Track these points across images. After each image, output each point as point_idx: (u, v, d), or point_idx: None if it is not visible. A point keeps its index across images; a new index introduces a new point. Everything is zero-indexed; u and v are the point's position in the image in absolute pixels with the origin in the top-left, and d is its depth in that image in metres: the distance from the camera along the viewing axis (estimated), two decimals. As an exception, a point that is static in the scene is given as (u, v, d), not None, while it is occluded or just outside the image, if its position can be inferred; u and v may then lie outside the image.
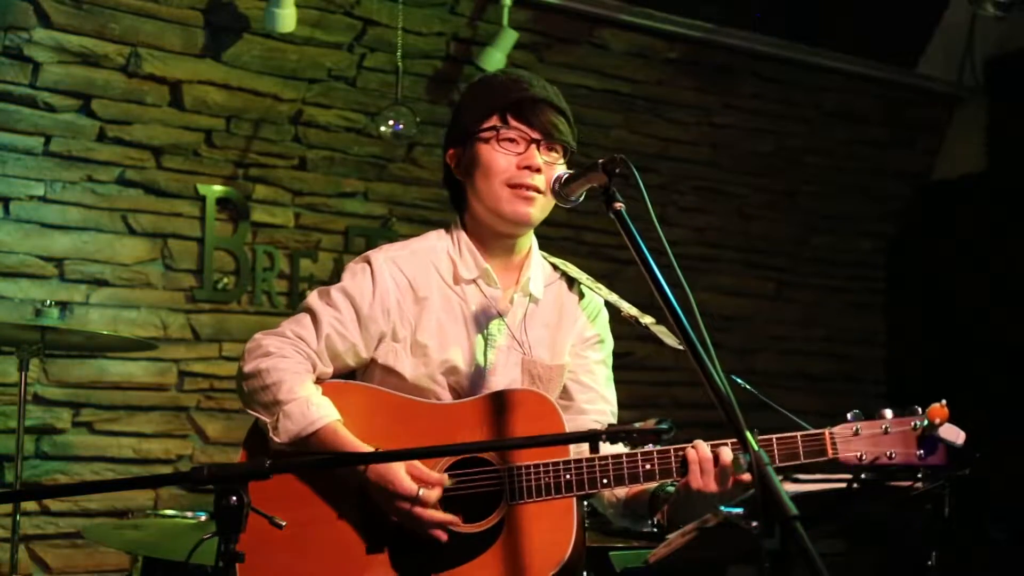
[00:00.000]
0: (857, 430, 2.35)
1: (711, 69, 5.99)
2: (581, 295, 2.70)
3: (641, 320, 2.62)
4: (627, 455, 2.35)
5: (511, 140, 2.51)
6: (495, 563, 2.35)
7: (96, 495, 4.65)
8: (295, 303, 4.90)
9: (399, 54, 5.02)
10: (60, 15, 4.48)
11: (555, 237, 5.60)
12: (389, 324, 2.51)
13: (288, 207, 5.16)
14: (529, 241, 2.64)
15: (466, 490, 2.38)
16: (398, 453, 2.27)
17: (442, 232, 2.64)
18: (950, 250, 6.68)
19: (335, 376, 2.52)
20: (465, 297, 2.56)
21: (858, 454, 2.34)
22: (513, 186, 2.49)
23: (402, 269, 2.54)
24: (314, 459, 2.35)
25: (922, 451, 2.34)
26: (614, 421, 2.68)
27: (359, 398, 2.48)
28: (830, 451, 2.35)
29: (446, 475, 2.36)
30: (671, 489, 2.43)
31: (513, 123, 2.51)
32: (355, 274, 2.54)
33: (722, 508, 2.30)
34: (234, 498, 1.86)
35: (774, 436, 2.34)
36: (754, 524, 1.76)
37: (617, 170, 2.18)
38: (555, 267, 2.70)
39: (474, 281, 2.57)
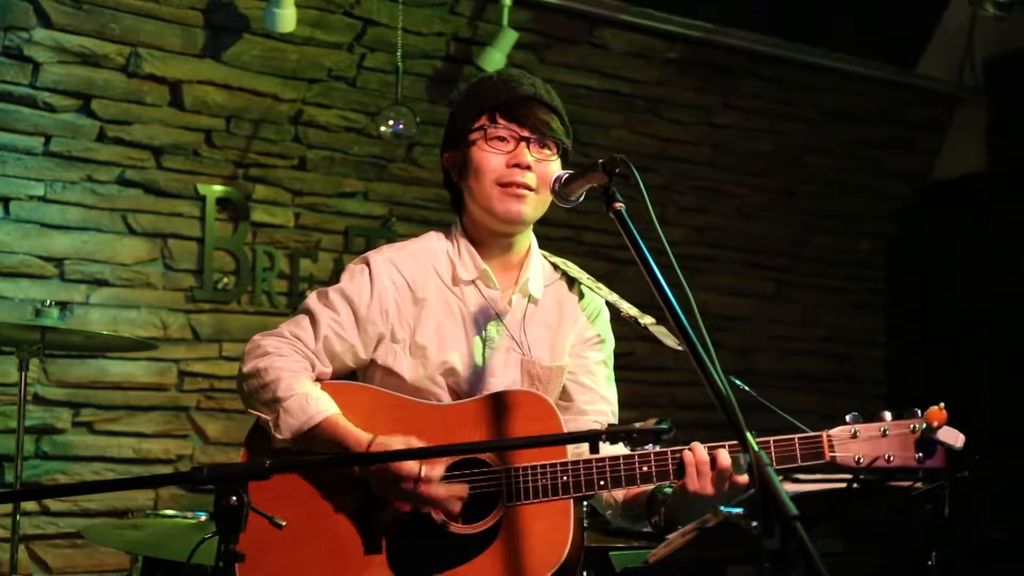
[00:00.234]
0: (855, 433, 2.34)
1: (711, 69, 5.99)
2: (581, 295, 2.69)
3: (641, 321, 2.61)
4: (624, 457, 2.35)
5: (501, 139, 2.51)
6: (492, 564, 2.35)
7: (96, 495, 4.65)
8: (295, 303, 4.90)
9: (399, 54, 5.02)
10: (60, 15, 4.48)
11: (555, 237, 5.60)
12: (388, 325, 2.51)
13: (288, 207, 5.17)
14: (527, 241, 2.63)
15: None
16: (396, 453, 2.27)
17: (441, 234, 2.64)
18: (950, 250, 6.68)
19: (335, 377, 2.52)
20: (464, 298, 2.56)
21: (856, 457, 2.34)
22: (504, 185, 2.49)
23: (400, 270, 2.54)
24: (313, 460, 2.35)
25: (920, 454, 2.33)
26: (614, 421, 2.68)
27: (358, 398, 2.48)
28: (827, 454, 2.35)
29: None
30: (668, 490, 2.43)
31: (502, 122, 2.51)
32: (353, 275, 2.54)
33: (722, 508, 2.30)
34: (234, 498, 1.86)
35: (771, 439, 2.33)
36: (754, 524, 1.76)
37: (617, 170, 2.17)
38: (555, 267, 2.70)
39: (473, 282, 2.57)
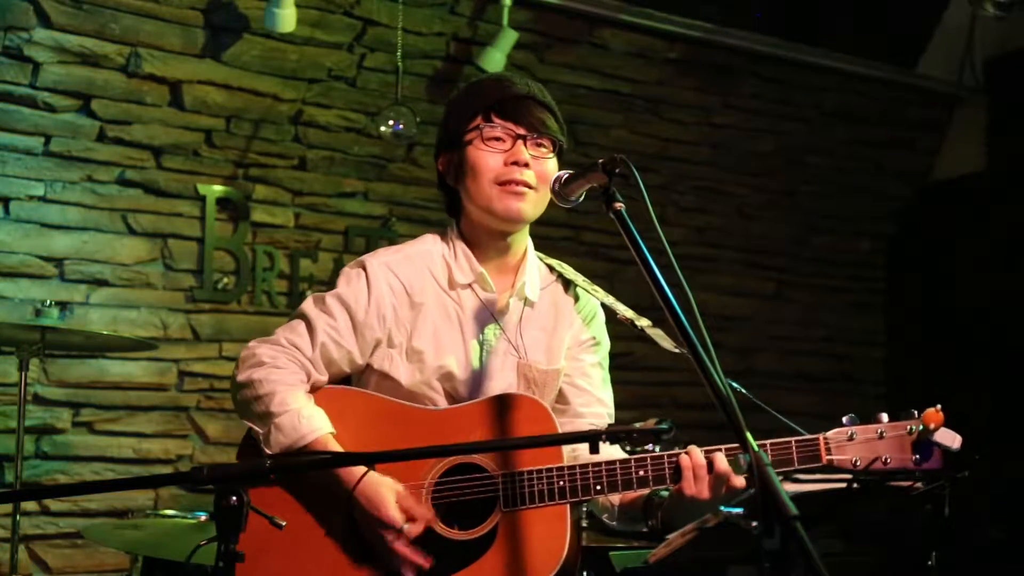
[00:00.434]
0: (852, 435, 2.34)
1: (711, 69, 5.99)
2: (577, 298, 2.68)
3: (637, 323, 2.61)
4: (621, 462, 2.35)
5: (497, 138, 2.50)
6: (489, 570, 2.34)
7: (96, 495, 4.65)
8: (295, 303, 4.90)
9: (399, 54, 5.02)
10: (60, 15, 4.48)
11: (555, 237, 5.61)
12: (384, 330, 2.49)
13: (288, 207, 5.16)
14: (524, 243, 2.62)
15: (460, 497, 2.36)
16: (394, 454, 2.27)
17: (436, 236, 2.62)
18: (950, 250, 6.68)
19: (330, 382, 2.50)
20: (460, 302, 2.54)
21: (853, 459, 2.33)
22: (503, 183, 2.48)
23: (397, 274, 2.52)
24: (313, 460, 2.32)
25: (917, 456, 2.33)
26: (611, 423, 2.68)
27: (354, 404, 2.46)
28: (824, 457, 2.35)
29: (433, 513, 2.35)
30: (665, 493, 2.42)
31: (498, 121, 2.50)
32: (350, 280, 2.51)
33: (722, 508, 2.30)
34: (234, 498, 1.86)
35: (768, 441, 2.33)
36: (754, 524, 1.76)
37: (617, 170, 2.17)
38: (551, 269, 2.68)
39: (469, 285, 2.55)
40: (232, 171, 5.02)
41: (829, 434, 2.36)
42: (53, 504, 4.63)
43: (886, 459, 2.33)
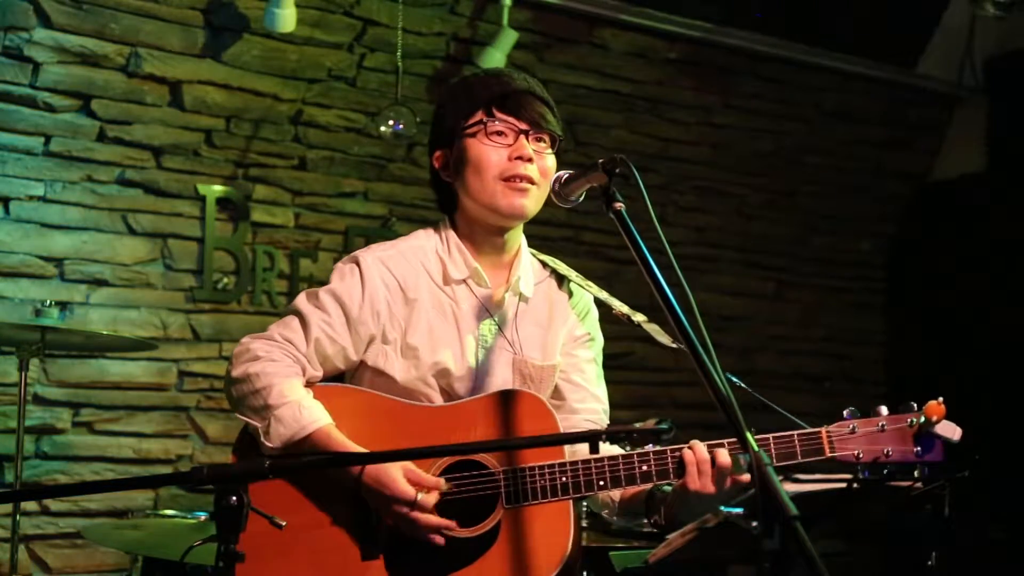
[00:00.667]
0: (853, 428, 2.36)
1: (711, 69, 5.99)
2: (571, 293, 2.67)
3: (633, 318, 2.61)
4: (623, 457, 2.34)
5: (499, 133, 2.48)
6: (492, 567, 2.33)
7: (96, 495, 4.64)
8: (295, 303, 4.89)
9: (399, 54, 5.02)
10: (60, 15, 4.48)
11: (555, 237, 5.61)
12: (379, 326, 2.47)
13: (288, 207, 5.16)
14: (518, 239, 2.60)
15: (461, 494, 2.35)
16: (395, 453, 2.25)
17: (430, 231, 2.60)
18: (950, 250, 6.68)
19: (324, 379, 2.48)
20: (455, 297, 2.53)
21: (855, 452, 2.35)
22: (507, 179, 2.46)
23: (391, 270, 2.50)
24: (313, 460, 2.31)
25: (919, 448, 2.34)
26: (606, 419, 2.67)
27: (350, 401, 2.44)
28: (827, 450, 2.36)
29: (443, 479, 2.33)
30: (668, 489, 2.42)
31: (500, 116, 2.48)
32: (344, 275, 2.49)
33: (722, 508, 2.30)
34: (234, 498, 1.86)
35: (771, 435, 2.34)
36: (754, 524, 1.76)
37: (617, 170, 2.17)
38: (544, 264, 2.67)
39: (464, 281, 2.54)
40: (232, 171, 5.02)
41: (831, 428, 2.37)
42: (53, 504, 4.63)
43: (888, 452, 2.34)
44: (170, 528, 3.43)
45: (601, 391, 2.69)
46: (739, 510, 2.32)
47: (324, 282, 2.52)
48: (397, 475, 2.29)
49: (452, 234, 2.56)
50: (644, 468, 2.34)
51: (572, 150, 5.56)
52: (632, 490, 2.48)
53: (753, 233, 6.50)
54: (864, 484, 2.81)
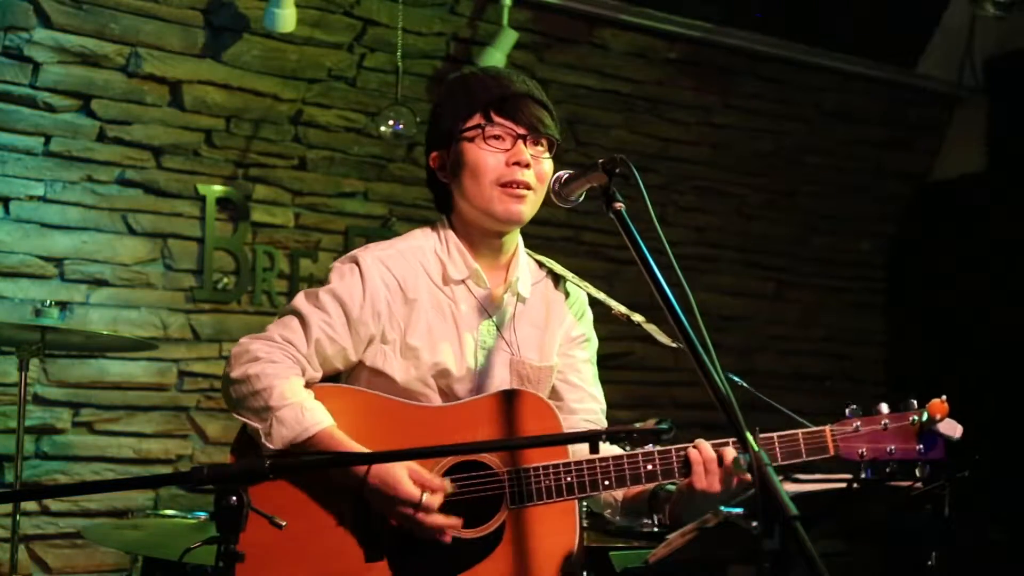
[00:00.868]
0: (857, 427, 2.37)
1: (711, 69, 5.99)
2: (567, 293, 2.67)
3: (632, 317, 2.61)
4: (628, 456, 2.34)
5: (497, 137, 2.46)
6: (498, 568, 2.33)
7: (96, 495, 4.64)
8: (295, 303, 4.89)
9: (399, 54, 5.02)
10: (60, 15, 4.48)
11: (555, 237, 5.61)
12: (379, 326, 2.45)
13: (288, 207, 5.16)
14: (515, 240, 2.60)
15: (465, 494, 2.34)
16: (398, 453, 2.24)
17: (428, 230, 2.58)
18: (950, 250, 6.68)
19: (322, 380, 2.46)
20: (454, 298, 2.51)
21: (859, 451, 2.35)
22: (504, 185, 2.45)
23: (391, 269, 2.48)
24: (313, 459, 2.30)
25: (922, 446, 2.35)
26: (604, 419, 2.67)
27: (350, 402, 2.42)
28: (831, 448, 2.36)
29: (448, 480, 2.32)
30: (671, 488, 2.42)
31: (498, 120, 2.46)
32: (343, 275, 2.46)
33: (722, 508, 2.30)
34: (234, 498, 1.86)
35: (775, 434, 2.34)
36: (754, 524, 1.76)
37: (617, 170, 2.17)
38: (540, 264, 2.67)
39: (463, 282, 2.53)
40: (232, 171, 5.02)
41: (834, 426, 2.37)
42: (53, 504, 4.63)
43: (891, 450, 2.35)
44: (170, 528, 3.42)
45: (598, 391, 2.69)
46: (739, 510, 2.31)
47: (324, 282, 2.51)
48: (402, 476, 2.28)
49: (451, 234, 2.55)
50: (649, 467, 2.34)
51: (572, 150, 5.56)
52: (635, 489, 2.48)
53: (753, 233, 6.50)
54: (864, 484, 2.81)
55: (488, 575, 2.33)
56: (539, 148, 2.50)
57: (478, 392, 2.48)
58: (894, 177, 6.86)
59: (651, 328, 2.58)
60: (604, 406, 2.69)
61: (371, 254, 2.50)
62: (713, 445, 2.34)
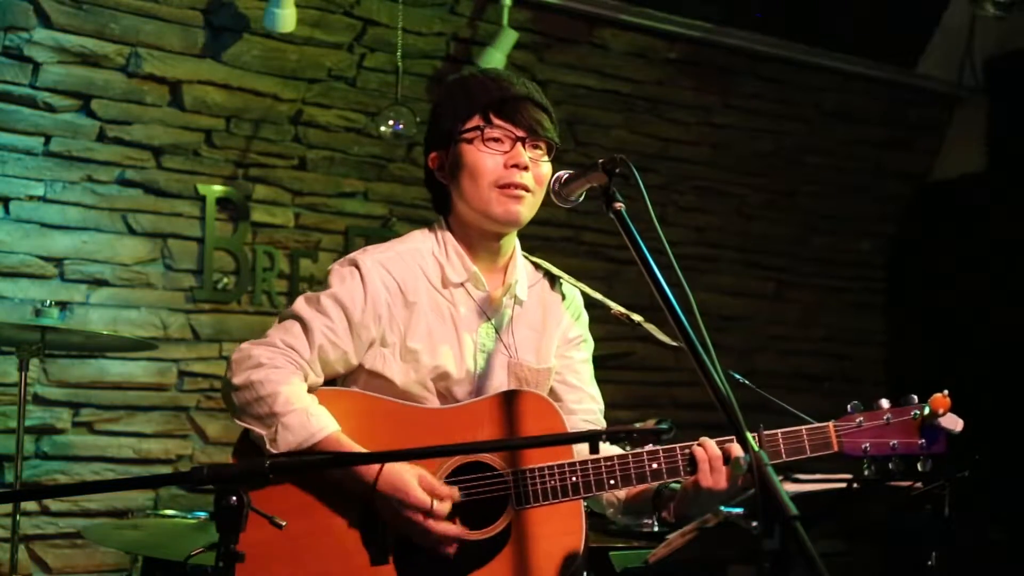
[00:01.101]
0: (860, 422, 2.38)
1: (711, 69, 5.99)
2: (563, 295, 2.67)
3: (632, 317, 2.61)
4: (633, 455, 2.34)
5: (496, 139, 2.46)
6: (503, 569, 2.32)
7: (96, 495, 4.64)
8: (295, 303, 4.89)
9: (399, 54, 5.02)
10: (60, 15, 4.48)
11: (555, 237, 5.61)
12: (380, 330, 2.44)
13: (288, 207, 5.16)
14: (513, 242, 2.59)
15: (471, 496, 2.34)
16: (401, 453, 2.23)
17: (425, 232, 2.58)
18: (950, 250, 6.68)
19: (323, 384, 2.45)
20: (453, 301, 2.51)
21: (863, 446, 2.36)
22: (502, 187, 2.45)
23: (391, 272, 2.47)
24: (313, 460, 2.29)
25: (924, 440, 2.36)
26: (602, 419, 2.68)
27: (353, 405, 2.41)
28: (835, 444, 2.37)
29: (457, 489, 2.32)
30: (675, 486, 2.42)
31: (497, 122, 2.46)
32: (344, 279, 2.45)
33: (722, 508, 2.30)
34: (234, 498, 1.85)
35: (779, 431, 2.35)
36: (754, 524, 1.76)
37: (617, 170, 2.17)
38: (536, 266, 2.67)
39: (462, 284, 2.52)
40: (232, 171, 5.02)
41: (837, 422, 2.38)
42: (53, 504, 4.63)
43: (894, 445, 2.35)
44: (170, 528, 3.42)
45: (596, 391, 2.69)
46: (739, 510, 2.32)
47: (323, 285, 2.50)
48: (412, 482, 2.27)
49: (449, 236, 2.54)
50: (655, 466, 2.34)
51: (572, 150, 5.56)
52: (638, 488, 2.48)
53: (753, 233, 6.50)
54: (864, 484, 2.81)
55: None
56: (538, 151, 2.50)
57: (477, 395, 2.48)
58: (894, 177, 6.86)
59: (650, 327, 2.58)
60: (602, 406, 2.69)
61: (371, 257, 2.49)
62: (718, 442, 2.34)
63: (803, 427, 2.37)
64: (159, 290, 4.86)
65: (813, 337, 6.74)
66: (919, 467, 2.37)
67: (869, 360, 6.95)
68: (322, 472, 2.34)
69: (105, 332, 4.44)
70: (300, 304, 2.46)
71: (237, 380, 2.36)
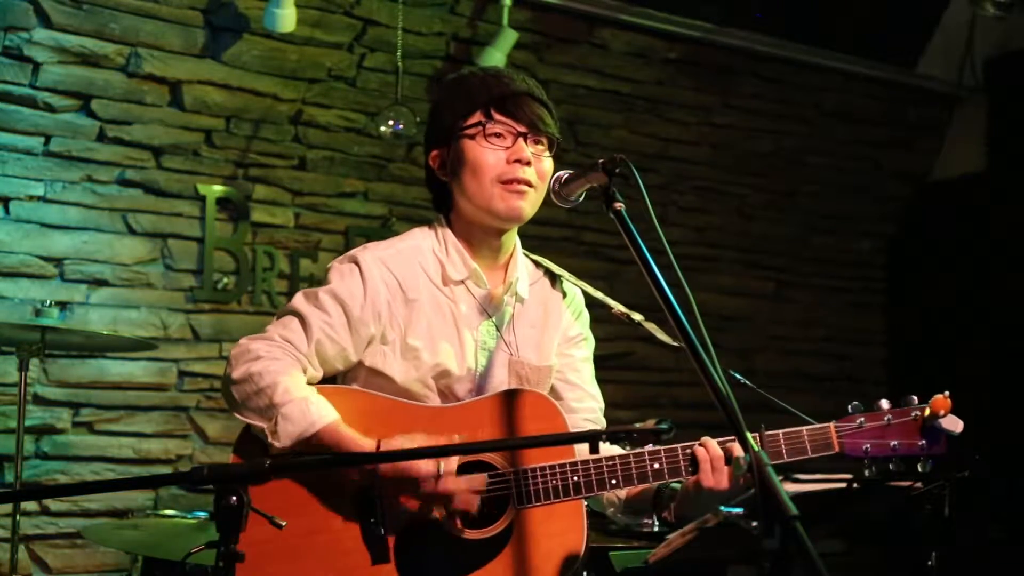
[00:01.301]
0: (861, 423, 2.38)
1: (711, 69, 6.00)
2: (564, 293, 2.67)
3: (632, 316, 2.61)
4: (635, 455, 2.33)
5: (498, 135, 2.46)
6: (505, 569, 2.32)
7: (96, 495, 4.64)
8: (295, 303, 4.88)
9: (399, 54, 5.02)
10: (60, 15, 4.48)
11: (555, 237, 5.61)
12: (379, 327, 2.44)
13: (288, 207, 5.16)
14: (514, 240, 2.59)
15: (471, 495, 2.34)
16: (402, 453, 2.23)
17: (426, 230, 2.57)
18: (950, 250, 6.68)
19: (323, 381, 2.45)
20: (454, 298, 2.50)
21: (864, 446, 2.36)
22: (505, 182, 2.44)
23: (391, 269, 2.47)
24: (313, 459, 2.28)
25: (924, 441, 2.36)
26: (602, 418, 2.68)
27: (354, 403, 2.40)
28: (836, 445, 2.37)
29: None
30: (675, 486, 2.42)
31: (498, 117, 2.46)
32: (343, 275, 2.45)
33: (722, 508, 2.30)
34: (234, 498, 1.85)
35: (780, 431, 2.35)
36: (754, 524, 1.76)
37: (617, 170, 2.17)
38: (537, 264, 2.67)
39: (463, 282, 2.52)
40: (232, 171, 5.02)
41: (839, 423, 2.38)
42: (53, 504, 4.63)
43: (895, 445, 2.36)
44: (170, 528, 3.42)
45: (596, 390, 2.69)
46: (739, 510, 2.32)
47: (323, 282, 2.50)
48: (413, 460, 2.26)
49: (449, 234, 2.54)
50: (656, 466, 2.34)
51: (572, 150, 5.56)
52: (639, 488, 2.48)
53: (753, 233, 6.50)
54: (864, 484, 2.81)
55: (497, 574, 2.31)
56: (539, 147, 2.50)
57: (477, 393, 2.47)
58: (894, 177, 6.86)
59: (651, 326, 2.58)
60: (602, 404, 2.69)
61: (371, 254, 2.48)
62: (719, 442, 2.34)
63: (804, 428, 2.37)
64: (159, 290, 4.86)
65: (813, 337, 6.74)
66: (919, 468, 2.37)
67: (869, 360, 6.95)
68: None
69: (105, 332, 4.44)
70: (299, 300, 2.45)
71: (236, 374, 2.36)
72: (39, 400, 4.60)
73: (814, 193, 6.63)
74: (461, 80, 2.59)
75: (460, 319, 2.50)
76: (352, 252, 2.51)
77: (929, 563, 3.42)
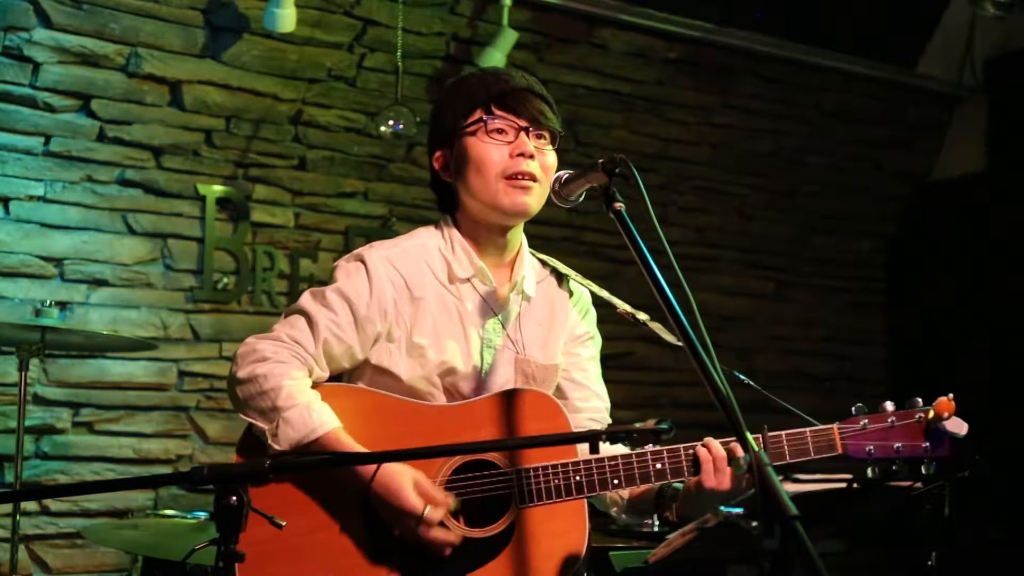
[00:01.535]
0: (865, 425, 2.37)
1: (711, 69, 6.00)
2: (571, 292, 2.67)
3: (637, 316, 2.61)
4: (637, 455, 2.33)
5: (500, 130, 2.46)
6: (507, 568, 2.32)
7: (96, 495, 4.64)
8: (295, 303, 4.89)
9: (399, 54, 5.02)
10: (60, 15, 4.48)
11: (555, 237, 5.61)
12: (385, 324, 2.44)
13: (288, 207, 5.16)
14: (519, 238, 2.59)
15: (474, 494, 2.34)
16: (403, 453, 2.23)
17: (431, 229, 2.58)
18: (950, 250, 6.68)
19: (329, 379, 2.46)
20: (460, 296, 2.51)
21: (867, 448, 2.35)
22: (509, 177, 2.44)
23: (397, 268, 2.47)
24: (313, 459, 2.29)
25: (928, 444, 2.36)
26: (608, 417, 2.68)
27: (356, 402, 2.41)
28: (839, 447, 2.36)
29: (453, 495, 2.31)
30: (678, 486, 2.42)
31: (499, 113, 2.46)
32: (350, 274, 2.46)
33: (722, 508, 2.30)
34: (234, 498, 1.85)
35: (783, 433, 2.34)
36: (754, 524, 1.76)
37: (617, 170, 2.17)
38: (544, 263, 2.67)
39: (469, 280, 2.52)
40: (232, 171, 5.02)
41: (842, 424, 2.38)
42: (53, 504, 4.63)
43: (898, 447, 2.35)
44: (170, 528, 3.42)
45: (602, 389, 2.69)
46: (739, 510, 2.32)
47: (325, 283, 2.50)
48: (406, 485, 2.27)
49: (455, 232, 2.54)
50: (659, 466, 2.34)
51: (572, 150, 5.56)
52: (641, 488, 2.48)
53: (753, 233, 6.51)
54: (864, 484, 2.81)
55: (498, 574, 2.32)
56: (542, 141, 2.50)
57: (483, 391, 2.47)
58: (894, 177, 6.86)
59: (655, 326, 2.58)
60: (608, 404, 2.69)
61: (376, 252, 2.49)
62: (722, 443, 2.34)
63: (807, 429, 2.37)
64: (159, 290, 4.86)
65: (813, 337, 6.74)
66: (923, 469, 2.37)
67: (869, 360, 6.95)
68: (321, 470, 2.34)
69: (105, 332, 4.44)
70: (305, 299, 2.46)
71: (241, 374, 2.36)
72: (39, 400, 4.60)
73: (814, 193, 6.63)
74: (461, 81, 2.60)
75: (466, 317, 2.50)
76: (358, 251, 2.51)
77: (929, 563, 3.42)
